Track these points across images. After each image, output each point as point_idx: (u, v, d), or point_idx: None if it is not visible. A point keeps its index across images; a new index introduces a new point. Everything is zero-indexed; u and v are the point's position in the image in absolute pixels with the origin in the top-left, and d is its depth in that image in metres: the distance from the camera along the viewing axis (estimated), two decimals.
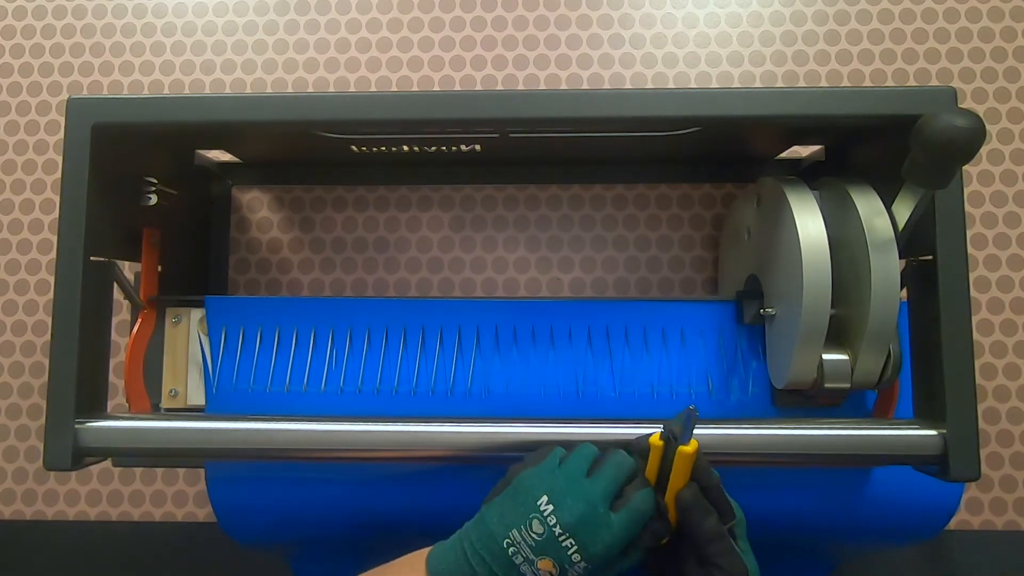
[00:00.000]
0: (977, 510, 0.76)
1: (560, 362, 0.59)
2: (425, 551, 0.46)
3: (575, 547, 0.42)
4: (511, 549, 0.42)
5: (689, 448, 0.45)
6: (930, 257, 0.51)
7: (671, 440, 0.45)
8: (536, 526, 0.42)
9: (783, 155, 0.75)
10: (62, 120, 0.63)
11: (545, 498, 0.43)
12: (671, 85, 0.80)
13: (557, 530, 0.42)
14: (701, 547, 0.44)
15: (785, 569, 0.64)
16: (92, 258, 0.54)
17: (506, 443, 0.51)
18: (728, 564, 0.44)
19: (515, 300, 0.61)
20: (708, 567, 0.44)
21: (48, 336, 0.53)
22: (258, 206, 0.81)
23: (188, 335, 0.61)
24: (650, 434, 0.46)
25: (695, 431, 0.45)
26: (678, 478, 0.45)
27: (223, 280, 0.79)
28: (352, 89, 0.81)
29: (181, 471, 0.78)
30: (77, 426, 0.52)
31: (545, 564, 0.42)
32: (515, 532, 0.43)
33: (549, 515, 0.42)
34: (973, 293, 0.70)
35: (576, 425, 0.51)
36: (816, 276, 0.51)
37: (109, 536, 0.77)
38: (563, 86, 0.80)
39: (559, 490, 0.43)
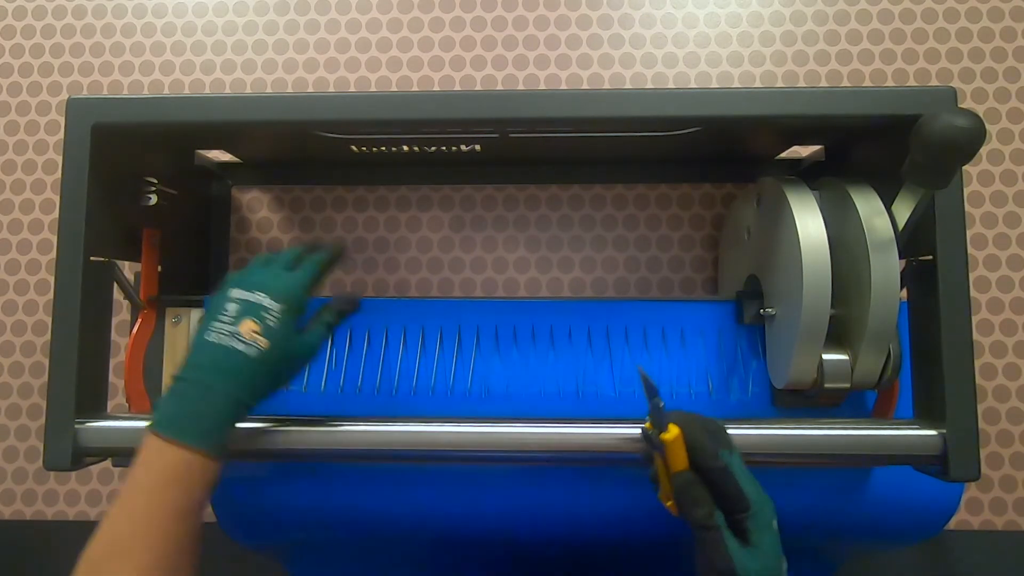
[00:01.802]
0: (977, 510, 0.76)
1: (560, 362, 0.59)
2: (146, 438, 0.46)
3: (264, 294, 0.48)
4: (212, 335, 0.46)
5: (668, 435, 0.45)
6: (930, 257, 0.51)
7: (652, 432, 0.46)
8: (230, 307, 0.47)
9: (783, 155, 0.75)
10: (62, 120, 0.63)
11: (236, 290, 0.48)
12: (671, 85, 0.80)
13: (246, 294, 0.48)
14: (695, 535, 0.44)
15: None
16: (92, 258, 0.54)
17: (506, 443, 0.51)
18: (713, 556, 0.43)
19: (515, 300, 0.61)
20: (700, 556, 0.44)
21: (48, 336, 0.53)
22: (258, 206, 0.81)
23: (188, 335, 0.61)
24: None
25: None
26: (678, 465, 0.45)
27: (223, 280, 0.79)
28: (352, 89, 0.81)
29: None
30: (77, 426, 0.52)
31: (245, 326, 0.46)
32: (215, 322, 0.47)
33: (236, 293, 0.48)
34: (973, 293, 0.70)
35: (576, 425, 0.51)
36: (816, 276, 0.51)
37: None
38: (563, 86, 0.80)
39: (246, 277, 0.50)
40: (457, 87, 0.80)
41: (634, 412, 0.58)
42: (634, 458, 0.50)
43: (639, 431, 0.49)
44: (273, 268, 0.51)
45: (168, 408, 0.45)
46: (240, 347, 0.46)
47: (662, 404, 0.46)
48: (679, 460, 0.45)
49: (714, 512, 0.44)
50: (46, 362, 0.56)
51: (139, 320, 0.60)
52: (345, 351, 0.60)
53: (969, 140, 0.44)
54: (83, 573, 0.42)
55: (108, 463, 0.77)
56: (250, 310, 0.47)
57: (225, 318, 0.47)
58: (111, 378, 0.72)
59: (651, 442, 0.47)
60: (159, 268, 0.62)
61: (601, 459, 0.52)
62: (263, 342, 0.47)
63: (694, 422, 0.46)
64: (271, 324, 0.47)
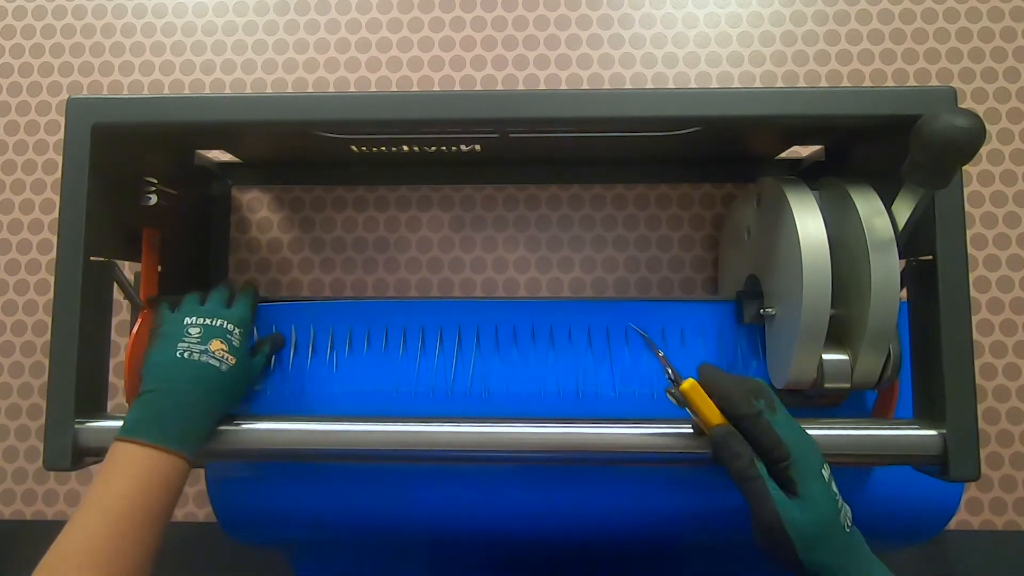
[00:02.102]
0: (977, 510, 0.76)
1: (560, 362, 0.59)
2: (114, 446, 0.47)
3: (225, 321, 0.53)
4: (184, 353, 0.51)
5: (684, 385, 0.45)
6: (930, 257, 0.51)
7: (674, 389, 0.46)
8: (192, 331, 0.52)
9: (783, 155, 0.75)
10: (62, 120, 0.63)
11: (191, 318, 0.53)
12: (671, 85, 0.80)
13: (205, 320, 0.53)
14: (741, 492, 0.43)
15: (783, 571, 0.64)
16: (92, 258, 0.54)
17: (506, 443, 0.51)
18: (758, 510, 0.41)
19: (515, 300, 0.61)
20: (751, 514, 0.43)
21: (48, 336, 0.53)
22: (258, 206, 0.81)
23: None
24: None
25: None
26: (712, 420, 0.45)
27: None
28: (352, 89, 0.81)
29: None
30: (77, 426, 0.52)
31: (215, 345, 0.52)
32: (180, 344, 0.51)
33: (193, 320, 0.53)
34: (973, 293, 0.70)
35: (576, 425, 0.51)
36: (816, 276, 0.51)
37: None
38: (563, 86, 0.80)
39: (194, 308, 0.54)
40: (457, 87, 0.80)
41: (635, 412, 0.58)
42: (649, 458, 0.50)
43: (656, 430, 0.49)
44: (214, 303, 0.56)
45: (145, 415, 0.48)
46: (214, 362, 0.51)
47: (661, 354, 0.48)
48: (711, 414, 0.45)
49: (754, 462, 0.42)
50: (46, 362, 0.56)
51: (139, 320, 0.60)
52: (345, 351, 0.60)
53: (969, 140, 0.44)
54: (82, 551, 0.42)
55: None
56: (216, 332, 0.52)
57: (192, 340, 0.51)
58: (111, 378, 0.72)
59: (677, 400, 0.46)
60: (159, 268, 0.62)
61: (620, 459, 0.52)
62: (231, 359, 0.52)
63: (715, 372, 0.46)
64: (235, 344, 0.53)
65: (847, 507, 0.43)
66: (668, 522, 0.58)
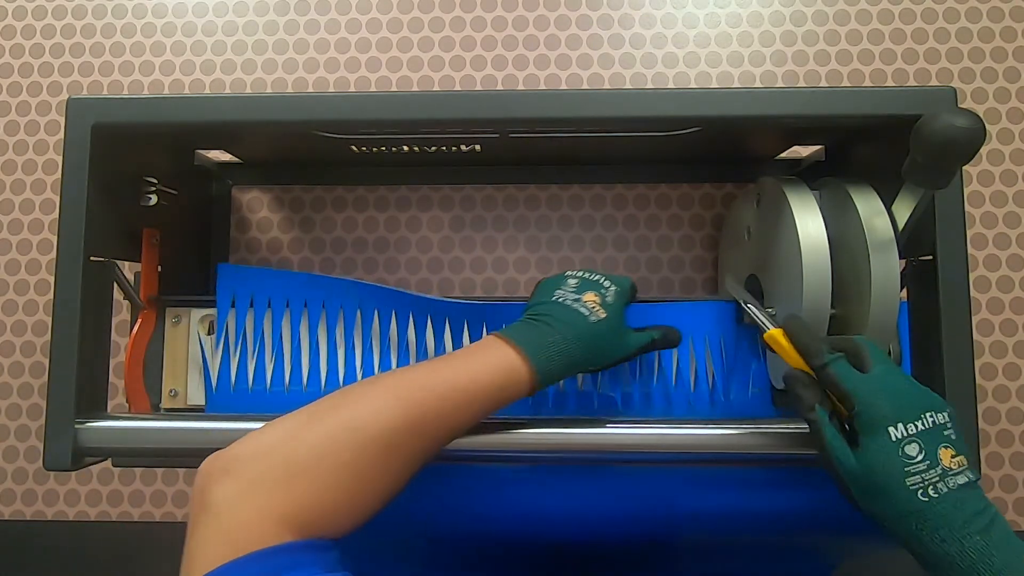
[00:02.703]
0: None
1: None
2: (489, 338, 0.49)
3: (603, 278, 0.54)
4: (559, 298, 0.52)
5: (767, 334, 0.48)
6: (930, 257, 0.51)
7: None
8: (571, 282, 0.54)
9: (783, 155, 0.75)
10: (62, 120, 0.63)
11: (572, 271, 0.55)
12: (671, 85, 0.80)
13: (586, 275, 0.54)
14: None
15: (785, 569, 0.64)
16: (92, 258, 0.54)
17: (506, 443, 0.51)
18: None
19: (515, 300, 0.61)
20: None
21: (48, 336, 0.53)
22: (258, 206, 0.81)
23: (188, 335, 0.61)
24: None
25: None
26: (792, 364, 0.47)
27: None
28: (352, 89, 0.81)
29: (181, 471, 0.78)
30: (77, 426, 0.52)
31: (589, 296, 0.52)
32: (557, 291, 0.53)
33: (575, 275, 0.55)
34: (973, 293, 0.70)
35: (576, 425, 0.51)
36: (816, 276, 0.51)
37: (109, 536, 0.77)
38: (563, 86, 0.80)
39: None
40: (457, 87, 0.80)
41: (634, 412, 0.58)
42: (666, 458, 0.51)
43: (649, 429, 0.51)
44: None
45: (520, 330, 0.50)
46: (583, 311, 0.51)
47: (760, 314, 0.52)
48: (792, 359, 0.47)
49: (815, 408, 0.45)
50: (46, 362, 0.55)
51: (139, 320, 0.60)
52: (345, 350, 0.60)
53: (969, 140, 0.44)
54: (391, 394, 0.42)
55: (108, 463, 0.77)
56: (591, 286, 0.53)
57: (568, 288, 0.53)
58: (111, 378, 0.72)
59: (767, 346, 0.49)
60: (159, 268, 0.62)
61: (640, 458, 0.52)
62: (602, 312, 0.51)
63: (797, 324, 0.48)
64: (608, 300, 0.53)
65: (951, 477, 0.42)
66: (682, 522, 0.58)
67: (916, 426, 0.43)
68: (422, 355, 0.60)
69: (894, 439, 0.43)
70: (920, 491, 0.42)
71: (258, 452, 0.39)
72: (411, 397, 0.42)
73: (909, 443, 0.42)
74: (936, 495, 0.41)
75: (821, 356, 0.45)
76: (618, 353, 0.53)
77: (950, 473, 0.42)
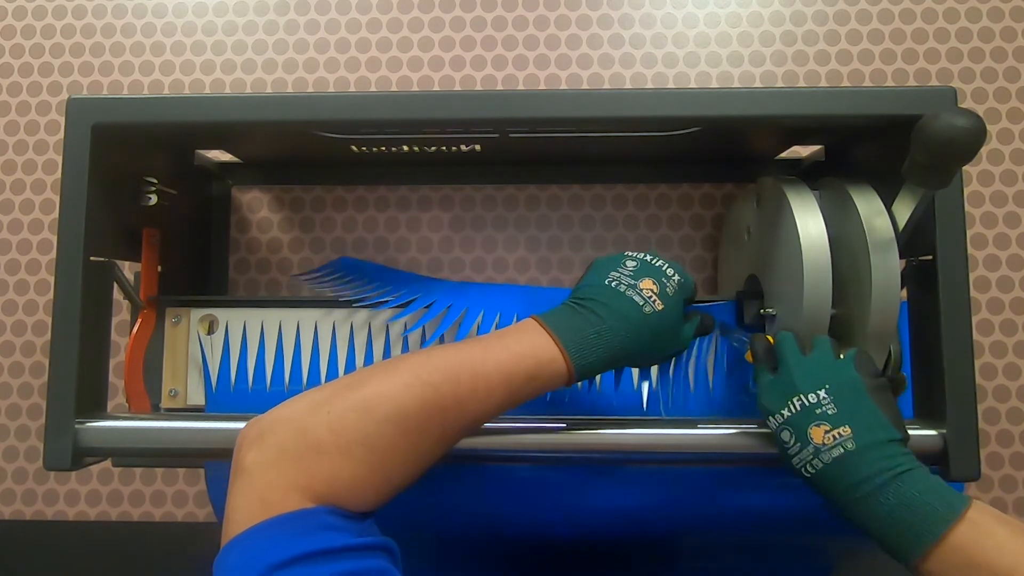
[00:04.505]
0: None
1: None
2: (528, 321, 0.47)
3: (667, 264, 0.50)
4: (612, 282, 0.48)
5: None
6: (930, 257, 0.51)
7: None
8: (628, 264, 0.50)
9: (783, 155, 0.75)
10: (62, 120, 0.63)
11: (628, 255, 0.51)
12: (671, 85, 0.80)
13: (648, 258, 0.50)
14: None
15: (785, 569, 0.64)
16: (92, 258, 0.54)
17: (506, 443, 0.51)
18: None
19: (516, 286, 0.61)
20: None
21: (48, 336, 0.53)
22: (258, 206, 0.81)
23: (188, 335, 0.61)
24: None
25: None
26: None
27: (223, 280, 0.79)
28: (352, 89, 0.81)
29: (181, 471, 0.78)
30: (77, 426, 0.52)
31: (646, 283, 0.48)
32: (612, 272, 0.49)
33: (634, 257, 0.50)
34: (973, 293, 0.70)
35: (575, 425, 0.51)
36: (816, 276, 0.51)
37: (109, 536, 0.77)
38: (563, 86, 0.80)
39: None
40: (457, 87, 0.80)
41: (634, 412, 0.58)
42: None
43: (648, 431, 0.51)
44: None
45: (560, 316, 0.46)
46: (638, 300, 0.47)
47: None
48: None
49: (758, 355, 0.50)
50: (46, 362, 0.55)
51: (139, 320, 0.60)
52: (345, 349, 0.60)
53: (969, 140, 0.44)
54: (411, 374, 0.41)
55: (108, 463, 0.77)
56: (651, 271, 0.49)
57: (625, 272, 0.49)
58: (111, 378, 0.72)
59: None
60: (159, 268, 0.62)
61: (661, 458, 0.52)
62: (659, 303, 0.48)
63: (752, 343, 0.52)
64: (668, 291, 0.49)
65: (825, 452, 0.44)
66: (687, 522, 0.58)
67: (783, 414, 0.46)
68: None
69: (771, 429, 0.47)
70: (804, 470, 0.45)
71: (284, 422, 0.39)
72: (429, 380, 0.41)
73: (781, 431, 0.46)
74: (814, 470, 0.44)
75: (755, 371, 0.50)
76: (670, 349, 0.50)
77: (824, 449, 0.44)
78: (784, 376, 0.47)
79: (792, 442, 0.45)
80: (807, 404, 0.45)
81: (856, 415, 0.44)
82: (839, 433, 0.44)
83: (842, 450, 0.43)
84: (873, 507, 0.42)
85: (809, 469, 0.44)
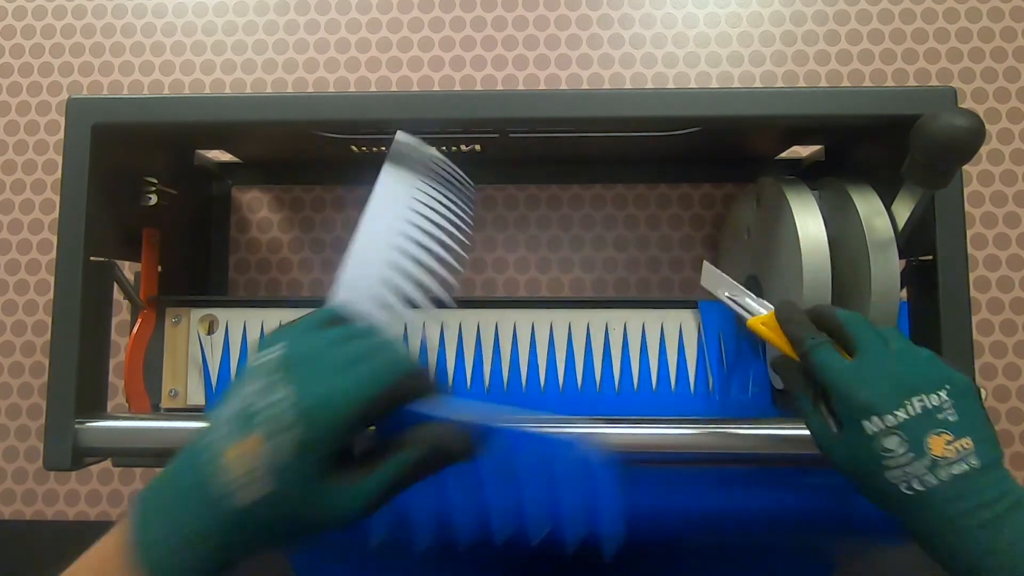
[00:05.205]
0: None
1: (560, 362, 0.59)
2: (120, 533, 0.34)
3: (290, 387, 0.32)
4: (204, 435, 0.33)
5: (749, 322, 0.47)
6: (930, 257, 0.51)
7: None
8: (233, 404, 0.34)
9: (783, 155, 0.75)
10: (62, 120, 0.63)
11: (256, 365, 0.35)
12: (671, 85, 0.80)
13: (259, 381, 0.33)
14: None
15: (785, 569, 0.64)
16: (92, 258, 0.54)
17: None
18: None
19: (515, 300, 0.61)
20: None
21: (48, 336, 0.53)
22: (258, 206, 0.81)
23: (188, 335, 0.61)
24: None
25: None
26: (786, 351, 0.45)
27: (223, 280, 0.79)
28: (352, 89, 0.81)
29: None
30: (77, 426, 0.52)
31: (237, 449, 0.32)
32: (217, 410, 0.34)
33: (250, 377, 0.34)
34: (973, 293, 0.70)
35: (575, 425, 0.51)
36: (816, 276, 0.51)
37: None
38: (563, 86, 0.80)
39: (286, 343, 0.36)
40: (457, 87, 0.80)
41: (634, 412, 0.58)
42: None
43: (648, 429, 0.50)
44: (322, 343, 0.35)
45: (151, 527, 0.33)
46: (218, 482, 0.31)
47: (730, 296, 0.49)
48: (780, 345, 0.45)
49: (800, 396, 0.44)
50: (46, 362, 0.55)
51: (139, 320, 0.60)
52: None
53: (969, 140, 0.44)
54: None
55: (108, 463, 0.77)
56: (251, 420, 0.31)
57: (222, 421, 0.33)
58: (111, 378, 0.72)
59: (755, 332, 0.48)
60: (159, 268, 0.62)
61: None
62: (260, 485, 0.31)
63: (788, 309, 0.45)
64: (281, 450, 0.31)
65: (943, 468, 0.37)
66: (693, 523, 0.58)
67: (896, 416, 0.38)
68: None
69: (869, 433, 0.39)
70: (904, 485, 0.38)
71: None
72: None
73: (887, 436, 0.38)
74: (923, 488, 0.37)
75: (803, 344, 0.43)
76: (320, 526, 0.33)
77: (943, 463, 0.37)
78: (895, 371, 0.40)
79: (902, 452, 0.38)
80: (929, 407, 0.38)
81: (975, 426, 0.38)
82: (963, 446, 0.37)
83: (966, 467, 0.37)
84: (993, 537, 0.36)
85: (917, 485, 0.38)
